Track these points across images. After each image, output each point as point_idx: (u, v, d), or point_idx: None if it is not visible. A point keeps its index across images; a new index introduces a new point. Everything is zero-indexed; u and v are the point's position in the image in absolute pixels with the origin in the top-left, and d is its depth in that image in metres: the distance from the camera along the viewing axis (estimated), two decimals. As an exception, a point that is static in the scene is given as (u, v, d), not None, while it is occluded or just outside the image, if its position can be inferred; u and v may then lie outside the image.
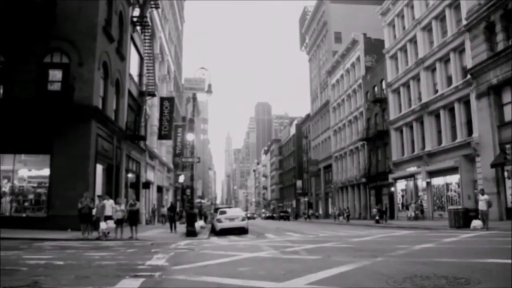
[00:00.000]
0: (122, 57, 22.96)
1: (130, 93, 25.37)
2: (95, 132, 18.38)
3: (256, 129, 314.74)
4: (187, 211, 20.51)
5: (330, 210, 53.95)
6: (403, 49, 34.50)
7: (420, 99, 31.22)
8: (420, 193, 31.69)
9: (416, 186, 32.28)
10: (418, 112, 31.11)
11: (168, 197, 42.71)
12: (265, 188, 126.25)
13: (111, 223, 15.09)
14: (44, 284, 5.26)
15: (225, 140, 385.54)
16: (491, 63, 22.15)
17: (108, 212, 15.32)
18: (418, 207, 30.27)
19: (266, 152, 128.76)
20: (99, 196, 15.76)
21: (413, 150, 32.52)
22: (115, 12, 21.39)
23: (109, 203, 15.60)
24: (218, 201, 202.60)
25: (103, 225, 14.63)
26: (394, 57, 36.29)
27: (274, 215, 75.59)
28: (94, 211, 14.82)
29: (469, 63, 24.60)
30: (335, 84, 53.53)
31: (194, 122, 31.30)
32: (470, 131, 25.06)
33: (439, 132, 28.80)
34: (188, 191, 37.98)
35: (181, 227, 21.56)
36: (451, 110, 27.41)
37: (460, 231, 16.21)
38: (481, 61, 22.86)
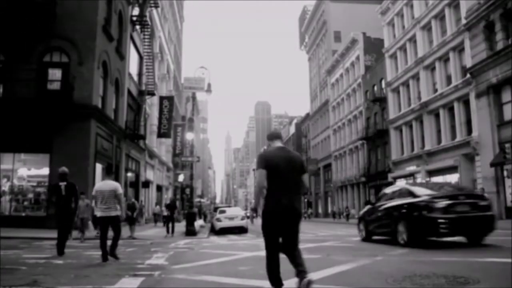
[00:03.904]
0: (122, 56, 22.94)
1: (129, 92, 25.36)
2: (95, 131, 18.38)
3: (255, 128, 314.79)
4: (188, 210, 20.44)
5: (330, 209, 53.96)
6: (403, 48, 34.50)
7: (419, 98, 31.23)
8: (420, 192, 31.67)
9: (415, 185, 32.25)
10: (418, 111, 31.12)
11: (168, 196, 42.72)
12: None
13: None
14: (43, 283, 5.25)
15: (225, 139, 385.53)
16: (490, 62, 22.15)
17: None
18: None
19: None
20: (81, 193, 15.05)
21: (412, 149, 32.54)
22: (114, 11, 21.36)
23: None
24: (218, 200, 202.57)
25: (90, 226, 14.00)
26: (393, 56, 36.30)
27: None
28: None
29: (468, 62, 24.61)
30: (335, 83, 53.54)
31: (194, 121, 31.22)
32: (469, 130, 25.07)
33: (438, 131, 28.81)
34: (187, 190, 37.98)
35: (178, 228, 21.46)
36: (450, 109, 27.42)
37: (460, 230, 16.18)
38: (481, 60, 22.87)
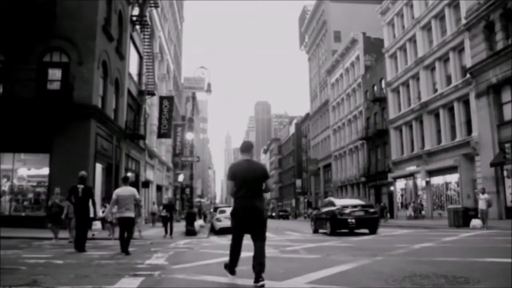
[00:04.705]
0: (122, 56, 22.93)
1: (129, 92, 25.35)
2: (95, 131, 18.37)
3: (255, 128, 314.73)
4: (188, 210, 20.40)
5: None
6: (403, 48, 34.51)
7: (419, 98, 31.24)
8: (420, 192, 31.71)
9: (415, 185, 32.30)
10: (418, 111, 31.12)
11: (171, 197, 42.69)
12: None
13: (97, 224, 13.64)
14: (43, 283, 5.25)
15: (225, 139, 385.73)
16: (490, 62, 22.15)
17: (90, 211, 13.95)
18: (417, 207, 30.28)
19: (265, 151, 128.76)
20: None
21: (412, 149, 32.54)
22: (114, 11, 21.36)
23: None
24: (218, 200, 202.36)
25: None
26: (393, 56, 36.30)
27: (274, 214, 75.66)
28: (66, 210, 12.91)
29: (468, 62, 24.61)
30: (335, 83, 53.53)
31: (194, 121, 31.19)
32: (469, 130, 25.07)
33: (438, 131, 28.82)
34: (187, 190, 37.98)
35: (178, 228, 21.43)
36: (450, 109, 27.43)
37: (460, 230, 16.23)
38: (481, 60, 22.86)
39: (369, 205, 17.26)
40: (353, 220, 15.10)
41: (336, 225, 15.45)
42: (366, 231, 15.70)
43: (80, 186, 9.75)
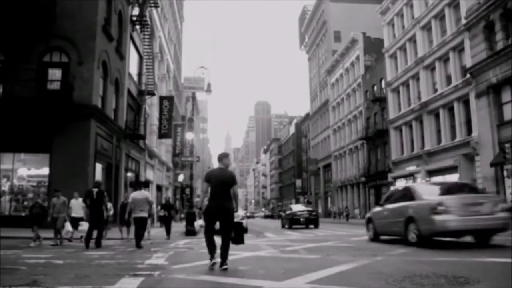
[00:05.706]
0: (122, 56, 22.93)
1: (129, 92, 25.35)
2: (95, 131, 18.37)
3: (255, 128, 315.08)
4: (188, 210, 20.38)
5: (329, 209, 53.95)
6: (403, 48, 34.50)
7: (419, 98, 31.23)
8: (420, 192, 31.67)
9: (415, 185, 32.24)
10: (418, 111, 31.12)
11: (168, 196, 42.61)
12: (264, 187, 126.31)
13: (85, 225, 12.23)
14: (43, 283, 5.25)
15: (225, 139, 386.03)
16: (490, 62, 22.14)
17: (77, 212, 12.95)
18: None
19: (265, 151, 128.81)
20: (56, 191, 12.63)
21: (412, 149, 32.54)
22: (114, 11, 21.36)
23: (78, 202, 13.09)
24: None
25: (68, 227, 12.82)
26: (393, 56, 36.29)
27: (274, 214, 75.68)
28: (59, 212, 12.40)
29: (468, 62, 24.60)
30: (335, 83, 53.54)
31: (194, 121, 31.27)
32: (469, 130, 25.07)
33: (438, 131, 28.81)
34: (187, 190, 37.99)
35: (178, 228, 21.39)
36: (450, 109, 27.42)
37: (460, 230, 16.17)
38: (481, 60, 22.85)
39: (313, 210, 26.00)
40: (304, 219, 23.54)
41: (293, 222, 23.76)
42: (312, 226, 23.77)
43: (95, 190, 11.06)
